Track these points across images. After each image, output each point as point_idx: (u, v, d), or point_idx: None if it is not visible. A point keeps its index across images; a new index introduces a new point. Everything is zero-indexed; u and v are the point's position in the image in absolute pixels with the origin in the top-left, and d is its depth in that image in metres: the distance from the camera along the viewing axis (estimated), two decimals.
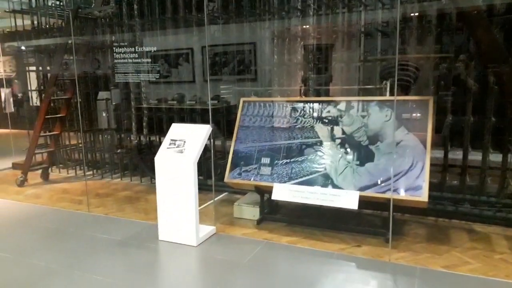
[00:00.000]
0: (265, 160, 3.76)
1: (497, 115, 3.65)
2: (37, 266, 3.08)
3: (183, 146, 3.33)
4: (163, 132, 5.43)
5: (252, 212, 3.93)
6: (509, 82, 3.18)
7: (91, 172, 5.86)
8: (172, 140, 3.40)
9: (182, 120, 5.28)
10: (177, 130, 3.47)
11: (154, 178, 5.54)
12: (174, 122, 5.64)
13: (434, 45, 3.86)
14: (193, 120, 5.19)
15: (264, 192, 3.82)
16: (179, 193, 3.28)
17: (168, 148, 3.37)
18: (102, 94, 6.13)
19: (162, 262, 3.17)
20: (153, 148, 5.54)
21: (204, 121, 5.07)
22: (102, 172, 5.77)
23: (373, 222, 3.78)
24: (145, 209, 4.33)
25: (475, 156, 3.84)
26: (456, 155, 3.93)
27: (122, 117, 5.72)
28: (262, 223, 3.81)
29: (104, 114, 6.00)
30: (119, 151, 5.79)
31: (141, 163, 5.48)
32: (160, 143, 5.50)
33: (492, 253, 3.17)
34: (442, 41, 3.88)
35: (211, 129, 3.40)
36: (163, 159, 3.32)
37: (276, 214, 3.99)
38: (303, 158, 3.64)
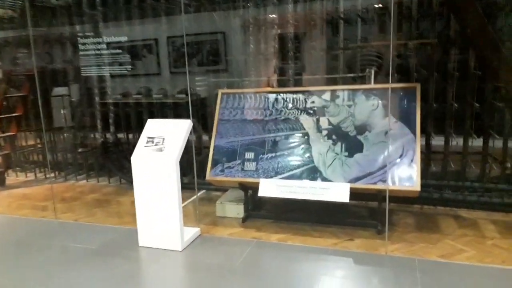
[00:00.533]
0: (249, 155, 3.57)
1: (478, 101, 3.64)
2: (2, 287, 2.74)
3: (162, 143, 3.06)
4: (130, 128, 5.11)
5: (236, 210, 3.73)
6: (496, 66, 3.15)
7: (53, 175, 5.43)
8: (149, 137, 3.13)
9: (151, 115, 4.96)
10: (154, 126, 3.19)
11: (124, 179, 5.29)
12: (142, 118, 5.35)
13: (415, 30, 3.79)
14: (163, 115, 4.88)
15: (249, 188, 3.63)
16: (160, 194, 3.02)
17: (145, 146, 3.09)
18: (58, 90, 5.68)
19: (146, 272, 2.91)
20: (121, 146, 5.20)
21: (176, 116, 4.79)
22: (65, 174, 5.36)
23: (360, 213, 3.69)
24: (118, 213, 4.02)
25: (458, 142, 3.83)
26: (439, 141, 3.91)
27: (84, 114, 5.32)
28: (247, 221, 3.62)
29: (62, 111, 5.57)
30: (80, 150, 5.39)
31: (109, 163, 5.12)
32: (129, 140, 5.20)
33: (484, 239, 3.15)
34: (423, 26, 3.82)
35: (191, 124, 3.15)
36: (141, 158, 3.04)
37: (261, 211, 3.81)
38: (289, 152, 3.48)
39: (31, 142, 5.74)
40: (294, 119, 3.55)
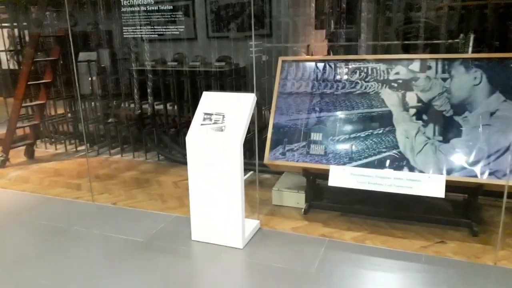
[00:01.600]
0: (316, 136, 3.02)
1: None
2: (31, 285, 2.34)
3: (222, 121, 2.54)
4: (170, 99, 4.61)
5: (295, 199, 3.23)
6: None
7: (83, 148, 5.02)
8: (206, 114, 2.60)
9: (194, 86, 4.44)
10: (210, 100, 2.66)
11: (162, 155, 4.82)
12: (182, 87, 4.83)
13: None
14: (208, 87, 4.35)
15: (314, 175, 3.10)
16: (219, 182, 2.53)
17: (202, 124, 2.57)
18: (84, 55, 5.18)
19: (203, 275, 2.45)
20: (158, 118, 4.71)
21: (220, 87, 4.26)
22: (98, 148, 4.94)
23: (443, 207, 3.13)
24: (161, 196, 3.58)
25: None
26: None
27: (116, 82, 4.83)
28: (309, 212, 3.12)
29: (90, 79, 5.09)
30: (110, 120, 4.93)
31: (146, 137, 4.66)
32: (167, 112, 4.71)
33: None
34: None
35: (255, 99, 2.61)
36: (197, 138, 2.53)
37: (323, 200, 3.30)
38: (367, 133, 2.91)
39: (60, 111, 5.31)
40: (373, 94, 2.96)
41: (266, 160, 3.09)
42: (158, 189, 3.74)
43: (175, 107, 4.60)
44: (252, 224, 2.81)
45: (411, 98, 2.88)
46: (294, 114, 3.11)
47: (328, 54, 3.96)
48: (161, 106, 4.66)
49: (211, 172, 2.53)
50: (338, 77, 3.08)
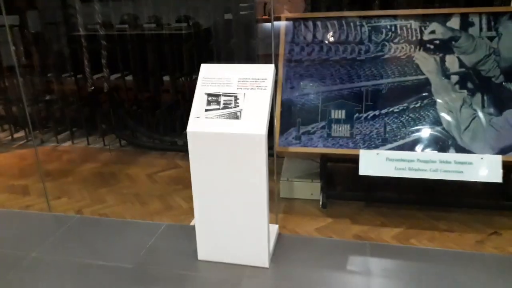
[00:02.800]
0: (338, 114, 2.45)
1: None
2: None
3: (234, 105, 1.87)
4: (129, 71, 3.79)
5: (309, 190, 2.68)
6: None
7: (21, 135, 4.08)
8: (211, 95, 1.91)
9: (156, 53, 3.64)
10: (212, 76, 1.96)
11: (125, 140, 3.98)
12: (139, 56, 3.96)
13: None
14: (172, 55, 3.58)
15: (329, 161, 2.57)
16: (237, 185, 1.89)
17: (207, 110, 1.89)
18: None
19: None
20: (117, 93, 3.87)
21: (182, 53, 3.51)
22: (41, 134, 4.02)
23: (484, 189, 2.72)
24: (137, 196, 2.86)
25: None
26: None
27: (49, 51, 3.88)
28: (327, 206, 2.60)
29: (13, 48, 4.08)
30: (49, 98, 4.02)
31: (102, 118, 3.83)
32: (127, 86, 3.87)
33: None
34: None
35: (275, 71, 1.95)
36: (203, 130, 1.85)
37: (337, 188, 2.78)
38: (401, 108, 2.39)
39: None
40: (405, 59, 2.42)
41: (276, 147, 2.48)
42: (131, 186, 3.01)
43: (135, 80, 3.80)
44: (270, 230, 2.22)
45: (452, 62, 2.37)
46: (308, 87, 2.50)
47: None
48: (114, 80, 3.83)
49: (225, 173, 1.88)
50: (359, 37, 2.49)
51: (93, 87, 3.72)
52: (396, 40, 2.43)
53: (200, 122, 1.87)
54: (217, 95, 1.91)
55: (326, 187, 2.64)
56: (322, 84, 2.48)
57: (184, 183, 3.01)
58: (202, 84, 1.95)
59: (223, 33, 3.63)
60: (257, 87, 1.89)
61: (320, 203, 2.61)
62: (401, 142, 2.34)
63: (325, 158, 2.61)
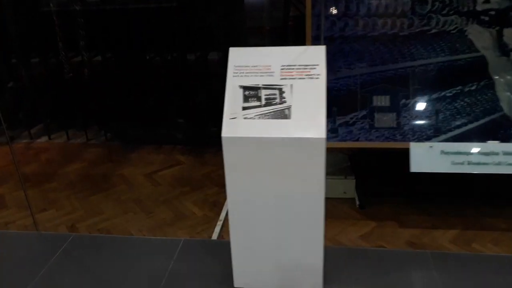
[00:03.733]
0: (381, 101, 2.08)
1: None
2: None
3: (280, 100, 1.47)
4: (112, 52, 3.27)
5: (341, 187, 2.34)
6: None
7: None
8: (248, 89, 1.50)
9: (143, 30, 3.12)
10: (245, 63, 1.54)
11: (112, 132, 3.45)
12: (126, 34, 3.37)
13: None
14: (161, 31, 3.07)
15: (372, 155, 2.22)
16: (284, 199, 1.51)
17: (245, 108, 1.48)
18: None
19: None
20: (99, 78, 3.35)
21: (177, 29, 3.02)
22: (7, 128, 3.47)
23: None
24: (139, 203, 2.44)
25: None
26: None
27: (20, 31, 3.30)
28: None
29: None
30: (11, 85, 3.46)
31: (82, 108, 3.32)
32: (110, 70, 3.32)
33: None
34: None
35: (325, 52, 1.55)
36: (243, 134, 1.45)
37: (372, 183, 2.45)
38: (455, 92, 2.04)
39: None
40: (457, 33, 2.06)
41: None
42: (129, 190, 2.58)
43: (120, 63, 3.29)
44: None
45: (511, 36, 2.04)
46: (343, 70, 2.11)
47: None
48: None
49: (270, 185, 1.49)
50: (400, 9, 2.10)
51: (71, 74, 3.18)
52: (444, 12, 2.06)
53: (238, 124, 1.46)
54: (256, 88, 1.49)
55: (362, 184, 2.31)
56: (360, 66, 2.10)
57: (191, 184, 2.61)
58: (234, 74, 1.53)
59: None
60: (307, 76, 1.49)
61: (357, 203, 2.28)
62: (456, 132, 2.01)
63: (356, 150, 2.27)
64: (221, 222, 2.16)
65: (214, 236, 2.06)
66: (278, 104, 1.46)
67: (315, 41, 2.13)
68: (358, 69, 2.10)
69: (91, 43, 3.17)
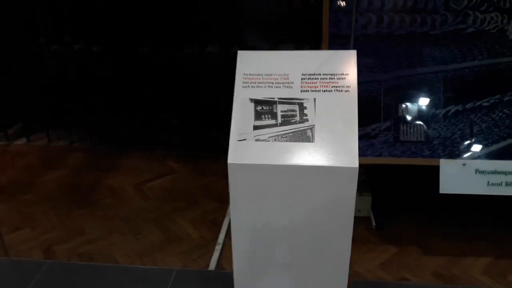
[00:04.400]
0: (408, 110, 1.81)
1: None
2: None
3: (301, 118, 1.19)
4: (99, 40, 2.94)
5: (356, 205, 2.07)
6: None
7: None
8: (261, 104, 1.21)
9: (133, 13, 2.79)
10: (257, 71, 1.25)
11: (98, 135, 3.10)
12: (114, 18, 2.99)
13: None
14: (153, 17, 2.75)
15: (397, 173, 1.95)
16: (297, 239, 1.24)
17: (257, 127, 1.19)
18: None
19: None
20: (84, 71, 3.03)
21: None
22: None
23: None
24: (128, 220, 2.15)
25: None
26: None
27: None
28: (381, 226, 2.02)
29: None
30: None
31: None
32: (97, 61, 2.96)
33: None
34: None
35: (355, 58, 1.27)
36: (253, 160, 1.16)
37: (385, 198, 2.19)
38: (492, 101, 1.78)
39: None
40: (496, 33, 1.79)
41: None
42: (116, 205, 2.28)
43: (107, 52, 2.96)
44: None
45: None
46: (364, 73, 1.83)
47: None
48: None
49: (285, 223, 1.22)
50: (429, 5, 1.82)
51: (53, 70, 2.85)
52: (483, 8, 1.78)
53: (248, 148, 1.17)
54: (271, 103, 1.21)
55: (379, 201, 2.05)
56: (384, 69, 1.82)
57: (186, 197, 2.32)
58: (243, 84, 1.24)
59: None
60: (334, 88, 1.21)
61: (373, 223, 2.02)
62: (493, 147, 1.75)
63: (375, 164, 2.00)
64: (220, 247, 1.89)
65: (212, 264, 1.79)
66: (299, 122, 1.18)
67: (333, 39, 1.84)
68: (382, 74, 1.82)
69: (76, 34, 2.85)
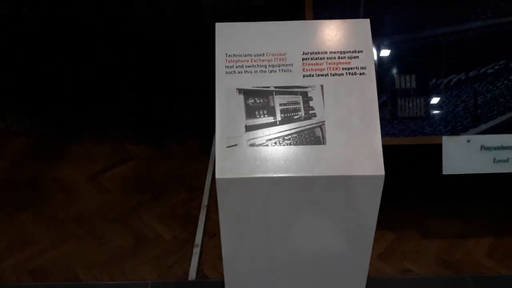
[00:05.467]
0: (406, 81, 1.57)
1: None
2: None
3: (304, 112, 0.92)
4: None
5: None
6: None
7: None
8: (253, 95, 0.92)
9: None
10: (246, 48, 0.96)
11: (35, 115, 2.62)
12: None
13: None
14: None
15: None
16: (304, 261, 1.02)
17: (250, 127, 0.91)
18: None
19: None
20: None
21: None
22: None
23: None
24: (84, 221, 1.84)
25: None
26: None
27: None
28: None
29: None
30: None
31: None
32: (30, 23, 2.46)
33: None
34: None
35: (369, 26, 0.99)
36: (247, 173, 0.90)
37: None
38: (498, 67, 1.58)
39: None
40: None
41: None
42: (69, 203, 1.95)
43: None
44: None
45: None
46: None
47: None
48: None
49: (288, 245, 0.98)
50: None
51: None
52: None
53: (241, 156, 0.90)
54: (266, 93, 0.93)
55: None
56: (377, 34, 1.56)
57: (151, 188, 2.02)
58: (227, 69, 0.94)
59: None
60: (346, 70, 0.94)
61: None
62: (499, 119, 1.57)
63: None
64: (198, 250, 1.64)
65: (192, 272, 1.54)
66: (304, 119, 0.91)
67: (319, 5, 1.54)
68: (375, 39, 1.56)
69: None
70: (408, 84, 1.57)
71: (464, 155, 1.54)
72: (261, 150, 0.89)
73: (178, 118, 2.50)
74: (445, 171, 1.55)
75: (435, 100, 1.56)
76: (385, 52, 1.56)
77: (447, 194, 1.92)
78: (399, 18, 1.57)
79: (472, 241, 1.69)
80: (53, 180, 2.10)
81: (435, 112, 1.56)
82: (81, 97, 2.60)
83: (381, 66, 1.56)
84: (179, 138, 2.38)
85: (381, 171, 0.87)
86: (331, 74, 0.93)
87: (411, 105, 1.57)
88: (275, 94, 0.92)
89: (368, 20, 0.97)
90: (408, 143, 1.57)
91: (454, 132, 1.56)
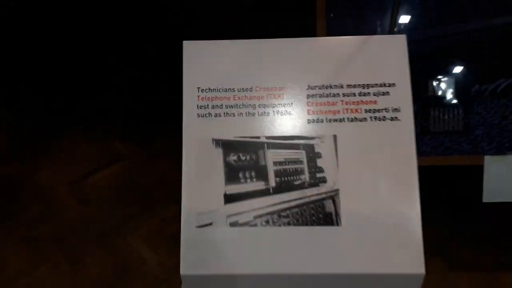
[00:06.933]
0: (441, 87, 1.25)
1: None
2: None
3: (309, 176, 0.65)
4: None
5: None
6: None
7: None
8: (234, 149, 0.65)
9: None
10: (226, 82, 0.67)
11: (8, 108, 2.36)
12: None
13: None
14: None
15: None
16: None
17: (231, 195, 0.64)
18: None
19: None
20: None
21: None
22: None
23: None
24: (62, 241, 1.60)
25: None
26: None
27: None
28: None
29: None
30: None
31: None
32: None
33: None
34: None
35: (406, 45, 0.70)
36: (221, 268, 0.63)
37: None
38: None
39: None
40: None
41: None
42: (46, 217, 1.71)
43: None
44: None
45: None
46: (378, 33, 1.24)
47: None
48: None
49: None
50: None
51: None
52: None
53: (216, 242, 0.63)
54: (255, 147, 0.64)
55: None
56: (404, 27, 1.24)
57: (138, 197, 1.78)
58: (199, 110, 0.66)
59: None
60: (371, 113, 0.65)
61: None
62: None
63: None
64: None
65: None
66: (308, 185, 0.63)
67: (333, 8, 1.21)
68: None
69: None
70: (443, 91, 1.26)
71: (509, 179, 1.25)
72: (246, 232, 0.62)
73: (170, 107, 2.22)
74: (486, 199, 1.26)
75: (477, 111, 1.26)
76: (416, 51, 1.25)
77: (475, 217, 1.64)
78: (432, 7, 1.24)
79: (508, 275, 1.42)
80: (29, 187, 1.86)
81: (477, 125, 1.26)
82: (68, 88, 2.32)
83: (410, 68, 1.25)
84: (172, 132, 2.11)
85: (421, 268, 0.60)
86: (348, 118, 0.64)
87: (446, 117, 1.27)
88: (268, 148, 0.64)
89: (404, 36, 0.67)
90: (442, 163, 1.28)
91: (500, 150, 1.26)
